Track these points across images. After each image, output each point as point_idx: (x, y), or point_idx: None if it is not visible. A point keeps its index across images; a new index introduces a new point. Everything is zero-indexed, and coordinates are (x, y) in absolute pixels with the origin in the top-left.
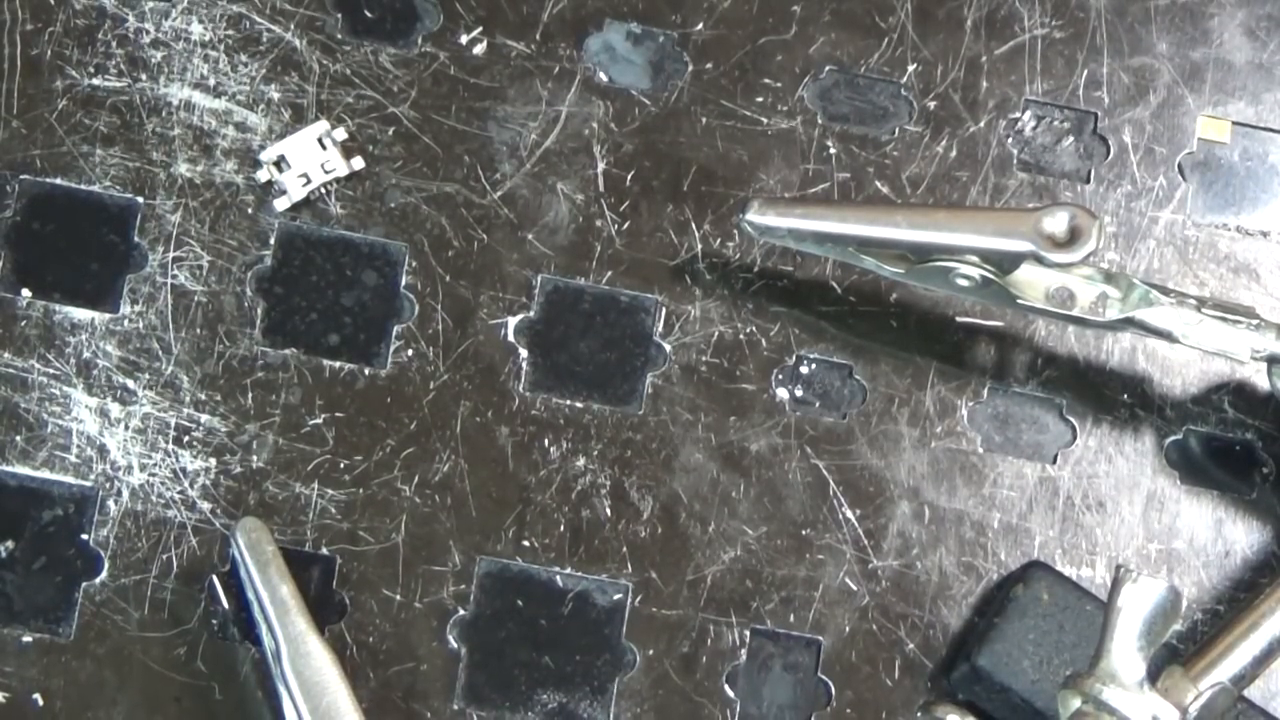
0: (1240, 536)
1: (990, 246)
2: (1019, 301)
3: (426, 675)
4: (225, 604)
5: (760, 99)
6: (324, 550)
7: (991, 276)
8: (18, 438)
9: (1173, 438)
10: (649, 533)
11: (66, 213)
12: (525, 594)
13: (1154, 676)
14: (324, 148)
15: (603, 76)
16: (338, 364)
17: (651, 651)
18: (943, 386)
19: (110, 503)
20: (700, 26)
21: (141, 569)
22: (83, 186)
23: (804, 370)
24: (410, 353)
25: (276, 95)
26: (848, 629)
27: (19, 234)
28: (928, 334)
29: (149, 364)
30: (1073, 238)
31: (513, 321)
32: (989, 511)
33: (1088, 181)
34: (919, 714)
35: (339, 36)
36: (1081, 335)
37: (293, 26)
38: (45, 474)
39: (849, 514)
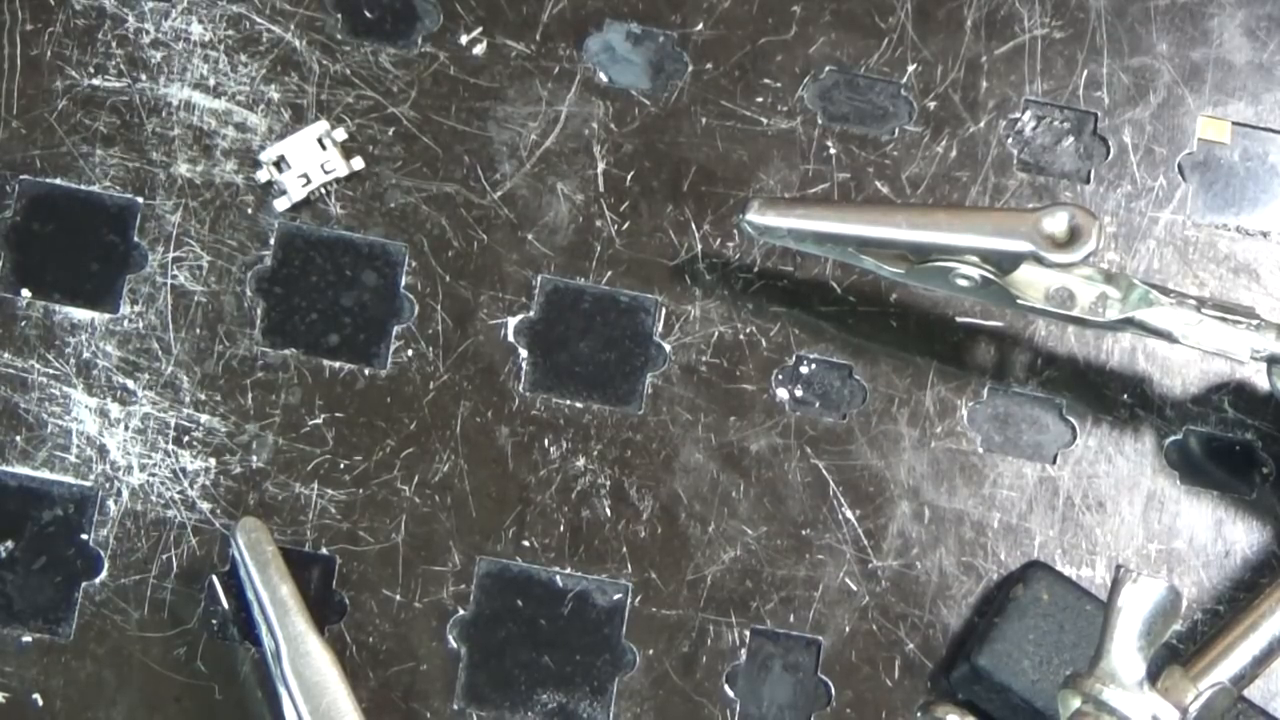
0: (1240, 536)
1: (990, 246)
2: (1019, 301)
3: (426, 675)
4: (225, 604)
5: (760, 99)
6: (324, 550)
7: (991, 277)
8: (18, 438)
9: (1173, 438)
10: (649, 533)
11: (66, 213)
12: (525, 594)
13: (1154, 676)
14: (324, 148)
15: (603, 76)
16: (338, 364)
17: (651, 651)
18: (943, 386)
19: (110, 503)
20: (700, 26)
21: (141, 569)
22: (83, 186)
23: (804, 370)
24: (410, 353)
25: (276, 95)
26: (848, 629)
27: (19, 234)
28: (928, 334)
29: (149, 364)
30: (1073, 238)
31: (513, 321)
32: (989, 511)
33: (1088, 182)
34: (919, 714)
35: (339, 36)
36: (1081, 335)
37: (293, 26)
38: (45, 474)
39: (849, 514)
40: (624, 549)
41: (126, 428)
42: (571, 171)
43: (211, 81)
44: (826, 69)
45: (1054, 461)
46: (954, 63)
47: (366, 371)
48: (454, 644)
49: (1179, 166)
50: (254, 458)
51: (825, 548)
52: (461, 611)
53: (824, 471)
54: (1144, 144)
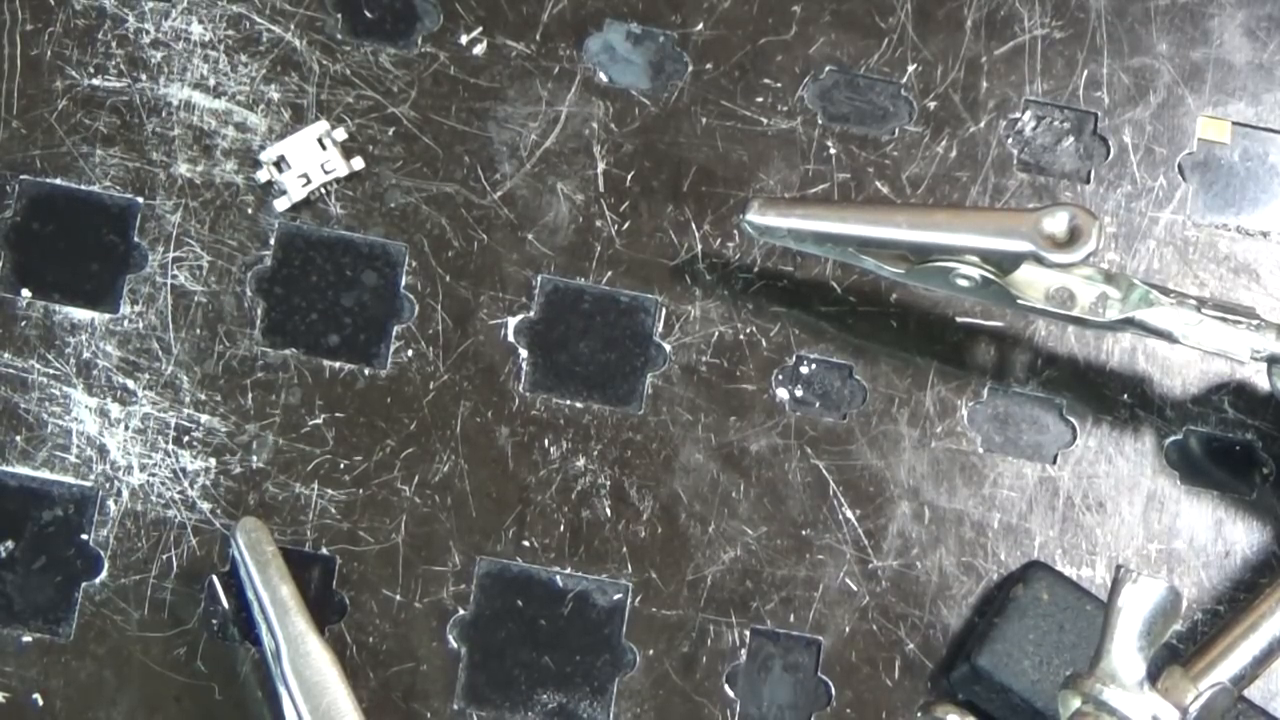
0: (1240, 536)
1: (990, 247)
2: (1019, 301)
3: (426, 675)
4: (225, 604)
5: (760, 99)
6: (324, 550)
7: (991, 277)
8: (18, 438)
9: (1173, 438)
10: (649, 533)
11: (66, 213)
12: (525, 594)
13: (1154, 676)
14: (324, 148)
15: (603, 76)
16: (338, 364)
17: (651, 651)
18: (943, 386)
19: (110, 503)
20: (700, 26)
21: (141, 569)
22: (83, 186)
23: (804, 370)
24: (410, 353)
25: (276, 95)
26: (848, 629)
27: (19, 234)
28: (928, 334)
29: (149, 364)
30: (1073, 238)
31: (513, 321)
32: (989, 511)
33: (1088, 182)
34: (919, 714)
35: (339, 36)
36: (1081, 335)
37: (293, 26)
38: (45, 474)
39: (849, 514)
40: (624, 549)
41: (126, 428)
42: (571, 171)
43: (211, 81)
44: (826, 69)
45: (1054, 461)
46: (954, 63)
47: (366, 371)
48: (454, 644)
49: (1179, 166)
50: (254, 458)
51: (825, 548)
52: (461, 611)
53: (824, 471)
54: (1144, 144)
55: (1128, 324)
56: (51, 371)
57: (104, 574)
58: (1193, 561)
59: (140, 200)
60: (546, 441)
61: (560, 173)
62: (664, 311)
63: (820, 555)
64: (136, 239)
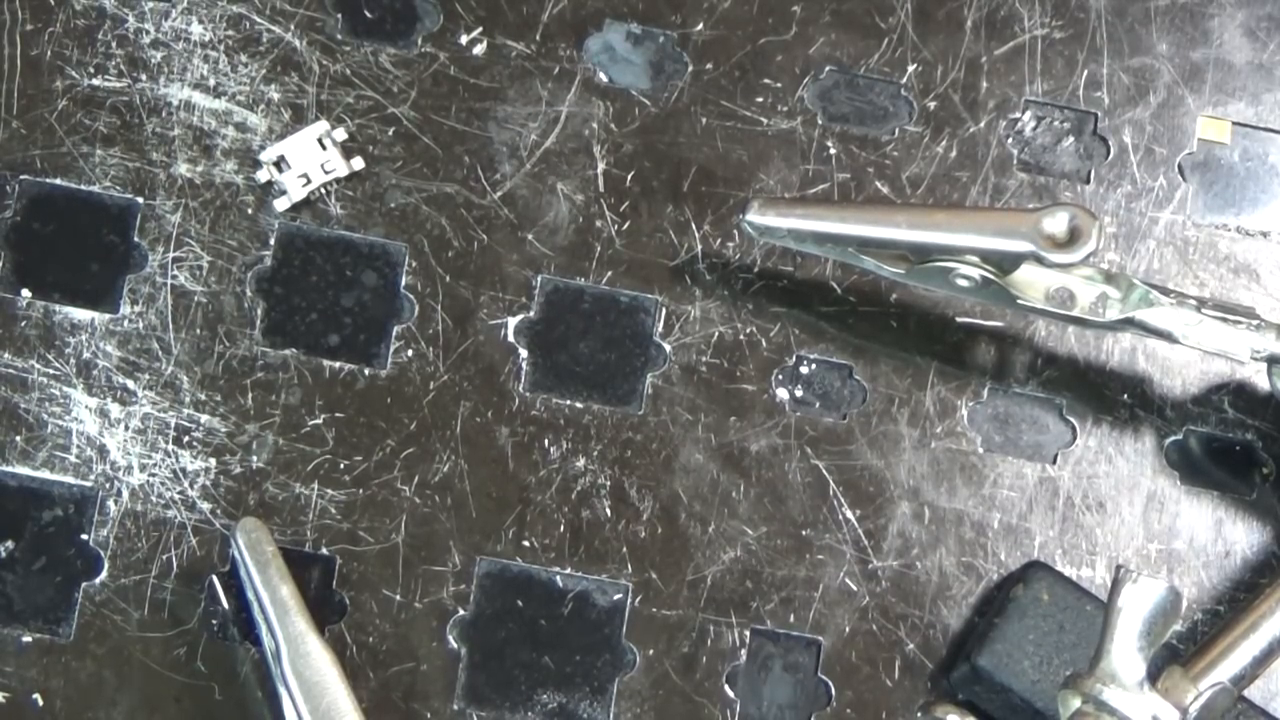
0: (1240, 536)
1: (990, 247)
2: (1019, 302)
3: (426, 675)
4: (225, 604)
5: (760, 99)
6: (324, 550)
7: (991, 277)
8: (18, 438)
9: (1173, 438)
10: (649, 533)
11: (66, 213)
12: (525, 594)
13: (1154, 676)
14: (324, 148)
15: (603, 77)
16: (338, 364)
17: (651, 651)
18: (943, 386)
19: (110, 503)
20: (700, 26)
21: (141, 569)
22: (83, 186)
23: (804, 370)
24: (410, 353)
25: (276, 95)
26: (848, 629)
27: (19, 234)
28: (928, 334)
29: (149, 364)
30: (1073, 238)
31: (513, 321)
32: (989, 511)
33: (1088, 182)
34: (919, 714)
35: (339, 36)
36: (1081, 335)
37: (293, 27)
38: (45, 474)
39: (849, 514)
40: (624, 549)
41: (126, 428)
42: (571, 171)
43: (211, 81)
44: (826, 69)
45: (1054, 461)
46: (954, 63)
47: (366, 371)
48: (454, 644)
49: (1179, 166)
50: (254, 458)
51: (825, 548)
52: (461, 611)
53: (824, 471)
54: (1144, 144)
55: (1128, 324)
56: (51, 371)
57: (104, 574)
58: (1193, 561)
59: (140, 200)
60: (546, 441)
61: (560, 173)
62: (664, 311)
63: (820, 555)
64: (136, 239)
